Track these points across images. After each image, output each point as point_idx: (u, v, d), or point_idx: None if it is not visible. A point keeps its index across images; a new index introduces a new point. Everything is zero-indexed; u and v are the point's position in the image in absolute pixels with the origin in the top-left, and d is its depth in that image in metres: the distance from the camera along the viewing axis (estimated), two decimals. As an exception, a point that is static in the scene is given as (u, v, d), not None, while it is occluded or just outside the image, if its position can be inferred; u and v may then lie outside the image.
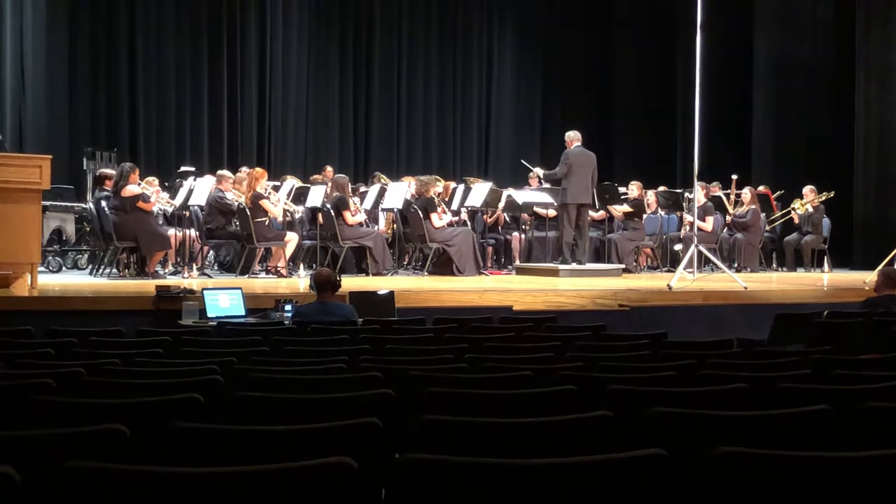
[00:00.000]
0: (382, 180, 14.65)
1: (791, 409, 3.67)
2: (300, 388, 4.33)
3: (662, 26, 19.47)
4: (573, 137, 13.17)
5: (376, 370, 4.67)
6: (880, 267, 10.35)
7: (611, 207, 14.53)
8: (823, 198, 15.41)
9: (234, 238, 12.51)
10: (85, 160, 14.68)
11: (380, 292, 9.00)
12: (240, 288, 8.65)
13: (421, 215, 12.98)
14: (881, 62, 16.52)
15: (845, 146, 17.25)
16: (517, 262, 14.07)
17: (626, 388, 4.20)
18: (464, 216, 13.96)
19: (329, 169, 15.33)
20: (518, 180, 15.88)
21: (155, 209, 12.12)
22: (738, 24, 18.58)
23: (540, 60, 20.72)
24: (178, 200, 12.29)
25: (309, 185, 13.46)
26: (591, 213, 14.77)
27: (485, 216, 14.55)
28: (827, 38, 18.01)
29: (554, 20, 20.59)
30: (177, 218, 12.51)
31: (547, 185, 13.94)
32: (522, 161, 14.95)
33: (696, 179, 12.48)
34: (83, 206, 13.50)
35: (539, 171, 13.64)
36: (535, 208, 14.24)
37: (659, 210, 15.02)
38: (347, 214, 12.67)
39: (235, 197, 12.45)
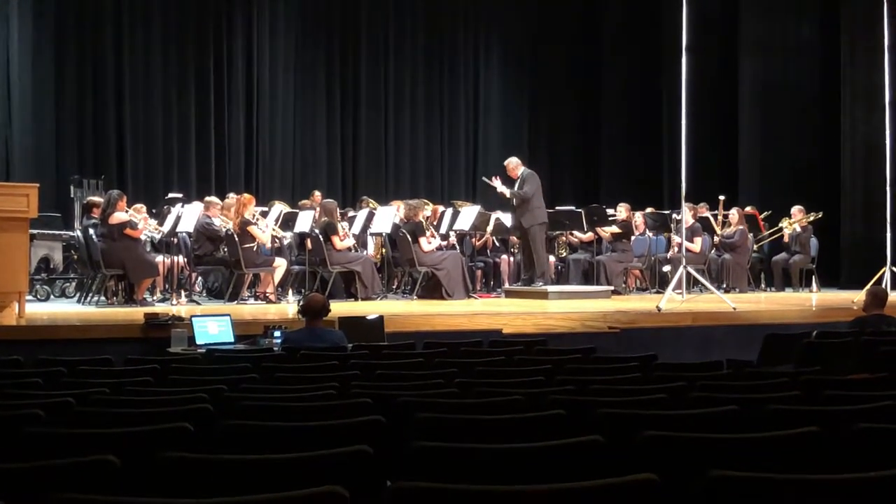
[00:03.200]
0: (370, 205, 14.66)
1: (782, 431, 3.68)
2: (290, 415, 4.32)
3: (649, 49, 19.55)
4: (519, 163, 13.19)
5: (366, 396, 4.67)
6: (868, 286, 10.37)
7: (599, 229, 14.55)
8: (812, 218, 15.47)
9: (222, 264, 12.48)
10: (72, 188, 14.63)
11: (369, 317, 8.99)
12: (228, 314, 8.63)
13: (409, 239, 12.98)
14: (866, 84, 16.60)
15: (832, 167, 17.34)
16: (506, 285, 14.06)
17: (616, 412, 4.21)
18: (452, 240, 13.96)
19: (317, 194, 15.31)
20: (506, 203, 15.88)
21: (143, 236, 12.10)
22: (723, 47, 18.68)
23: (526, 83, 20.78)
24: (166, 227, 12.28)
25: (297, 211, 13.46)
26: (579, 234, 14.84)
27: (473, 239, 14.56)
28: (812, 61, 18.11)
29: (540, 43, 20.65)
30: (165, 245, 12.49)
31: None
32: (483, 178, 14.34)
33: (683, 201, 12.52)
34: (71, 234, 13.47)
35: (506, 190, 13.11)
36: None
37: (647, 231, 15.05)
38: (336, 239, 12.65)
39: (223, 223, 12.43)
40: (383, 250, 13.76)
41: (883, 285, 11.78)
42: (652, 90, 19.54)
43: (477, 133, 20.50)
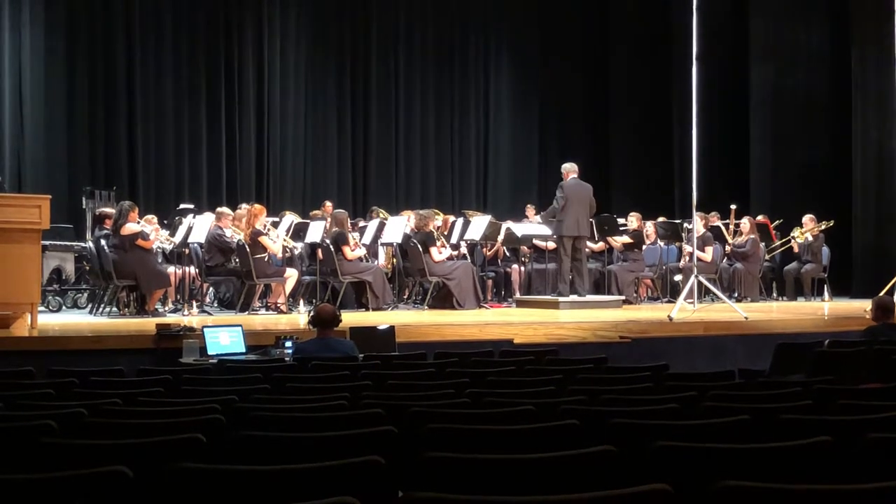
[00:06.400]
0: (381, 215, 14.67)
1: (793, 440, 3.67)
2: (302, 426, 4.32)
3: (659, 57, 19.54)
4: (569, 169, 13.21)
5: (378, 406, 4.67)
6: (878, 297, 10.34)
7: (610, 239, 14.53)
8: (823, 227, 15.42)
9: (233, 275, 12.49)
10: (84, 199, 14.68)
11: (380, 327, 8.99)
12: (240, 325, 8.64)
13: (420, 249, 12.99)
14: (877, 89, 16.55)
15: (843, 174, 17.27)
16: (517, 295, 14.04)
17: (628, 422, 4.20)
18: (463, 249, 13.96)
19: (328, 204, 15.34)
20: (517, 213, 15.90)
21: (154, 247, 12.12)
22: (733, 55, 18.65)
23: (536, 92, 20.78)
24: (178, 238, 12.31)
25: (308, 221, 13.47)
26: (590, 244, 14.80)
27: (484, 249, 14.55)
28: (822, 67, 18.06)
29: (550, 51, 20.66)
30: (176, 255, 12.52)
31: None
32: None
33: (694, 210, 12.50)
34: (83, 245, 13.50)
35: (536, 217, 13.71)
36: (535, 241, 14.25)
37: (658, 241, 15.02)
38: (347, 249, 12.67)
39: (234, 234, 12.45)
40: (394, 260, 13.76)
41: (895, 295, 11.73)
42: (662, 98, 19.53)
43: (487, 143, 20.51)
